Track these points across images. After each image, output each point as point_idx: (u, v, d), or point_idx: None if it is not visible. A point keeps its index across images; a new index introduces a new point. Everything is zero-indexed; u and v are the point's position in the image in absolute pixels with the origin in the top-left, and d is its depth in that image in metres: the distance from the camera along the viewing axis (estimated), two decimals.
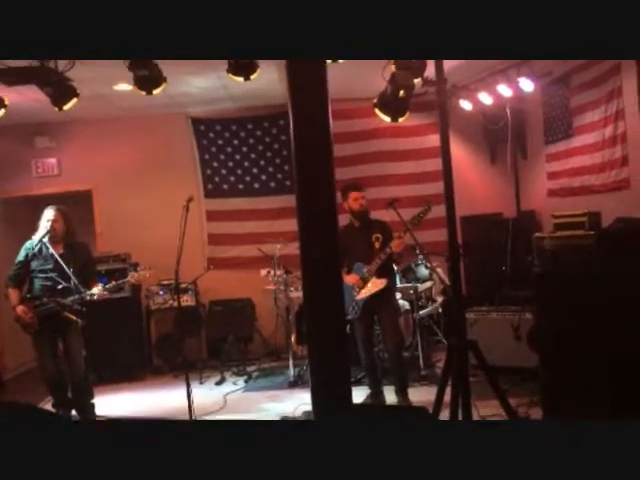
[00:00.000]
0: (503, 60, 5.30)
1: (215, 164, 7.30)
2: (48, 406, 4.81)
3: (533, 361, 4.13)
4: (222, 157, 7.30)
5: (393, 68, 3.71)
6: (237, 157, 7.30)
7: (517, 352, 4.93)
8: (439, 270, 5.68)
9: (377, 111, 3.92)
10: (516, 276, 5.96)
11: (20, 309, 4.62)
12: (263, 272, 6.06)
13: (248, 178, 7.31)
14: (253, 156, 7.29)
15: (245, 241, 7.16)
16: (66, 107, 4.22)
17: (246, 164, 7.30)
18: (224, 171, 7.30)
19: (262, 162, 7.29)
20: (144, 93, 4.19)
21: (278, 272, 5.93)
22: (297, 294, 6.12)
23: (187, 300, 6.55)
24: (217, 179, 7.31)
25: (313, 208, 1.97)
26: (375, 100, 3.91)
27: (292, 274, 5.99)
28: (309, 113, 1.78)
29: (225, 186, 7.31)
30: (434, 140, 6.45)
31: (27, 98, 5.21)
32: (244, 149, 7.29)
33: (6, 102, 4.34)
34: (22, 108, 5.51)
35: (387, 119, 3.96)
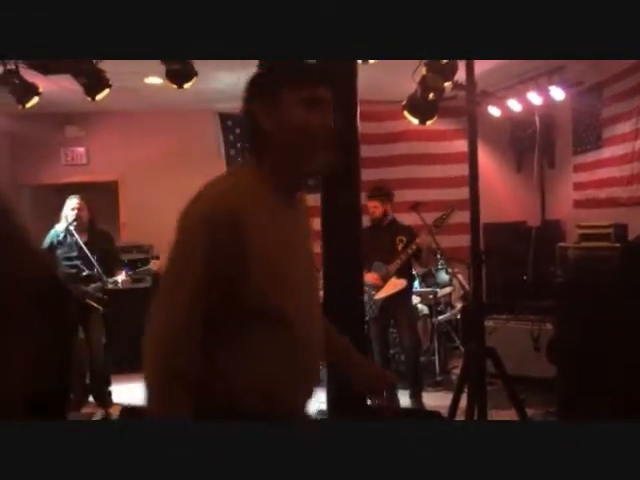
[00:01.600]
0: (534, 67, 5.26)
1: (241, 160, 7.34)
2: None
3: (551, 372, 4.09)
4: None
5: (424, 71, 3.70)
6: None
7: (535, 362, 4.88)
8: (460, 276, 5.66)
9: (406, 113, 3.91)
10: (538, 286, 5.90)
11: None
12: None
13: None
14: None
15: None
16: (98, 97, 4.29)
17: None
18: None
19: None
20: (175, 86, 4.23)
21: None
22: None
23: None
24: None
25: (338, 207, 1.99)
26: (404, 102, 3.90)
27: None
28: (338, 112, 1.79)
29: None
30: (461, 145, 6.43)
31: (60, 87, 5.29)
32: None
33: (40, 90, 4.42)
34: (54, 97, 5.59)
35: (415, 122, 3.95)
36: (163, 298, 1.31)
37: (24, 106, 4.45)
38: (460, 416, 2.92)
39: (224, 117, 7.25)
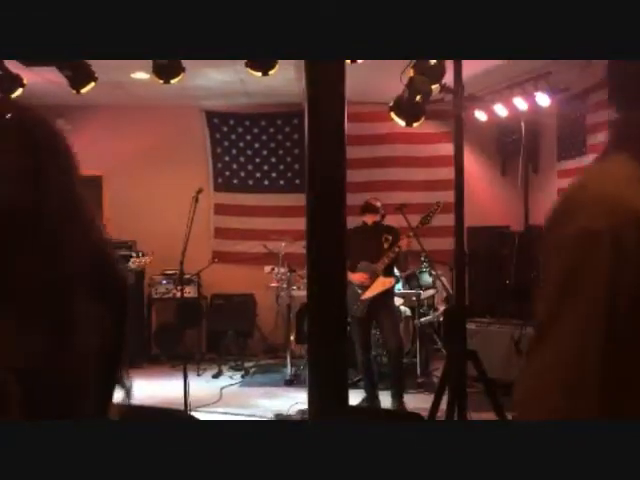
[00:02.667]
0: (521, 73, 5.29)
1: (226, 158, 7.32)
2: None
3: None
4: (234, 151, 7.32)
5: (411, 73, 3.71)
6: (248, 152, 7.32)
7: (517, 366, 4.92)
8: (443, 279, 5.68)
9: (392, 115, 3.92)
10: (519, 290, 5.95)
11: None
12: (267, 269, 6.07)
13: (258, 174, 7.33)
14: (264, 153, 7.31)
15: (251, 237, 7.17)
16: (83, 90, 4.24)
17: (257, 160, 7.32)
18: (235, 166, 7.32)
19: (273, 159, 7.31)
20: (162, 82, 4.20)
21: (282, 270, 5.95)
22: (299, 293, 6.13)
23: (189, 292, 6.56)
24: (227, 173, 7.33)
25: (323, 207, 1.98)
26: (391, 104, 3.91)
27: (296, 272, 6.00)
28: (325, 112, 1.78)
29: (235, 180, 7.33)
30: (446, 148, 6.45)
31: (44, 80, 5.24)
32: (256, 145, 7.30)
33: (25, 82, 4.37)
34: (39, 90, 5.53)
35: (402, 123, 3.96)
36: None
37: (8, 97, 4.38)
38: (440, 418, 2.93)
39: (210, 114, 7.22)
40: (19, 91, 4.37)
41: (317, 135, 1.97)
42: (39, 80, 5.00)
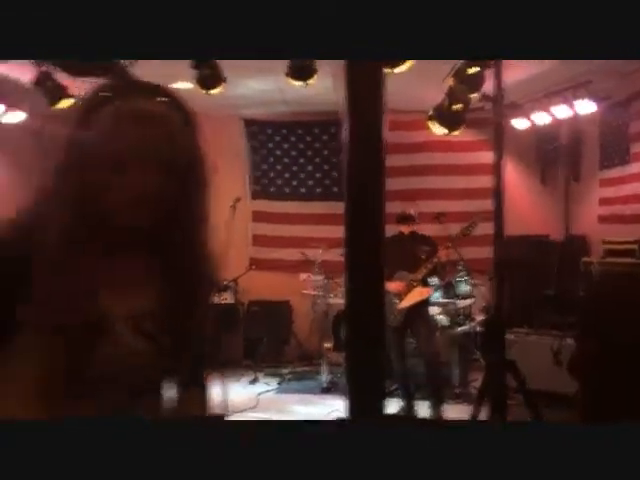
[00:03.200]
0: (561, 81, 5.22)
1: (264, 166, 7.39)
2: None
3: (572, 387, 4.04)
4: (271, 160, 7.39)
5: (451, 81, 3.70)
6: (286, 160, 7.38)
7: (556, 377, 4.83)
8: (482, 288, 5.63)
9: (432, 123, 3.91)
10: (559, 300, 5.84)
11: None
12: (303, 276, 6.10)
13: (295, 182, 7.38)
14: (302, 161, 7.36)
15: (288, 244, 7.21)
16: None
17: (294, 168, 7.37)
18: (272, 174, 7.39)
19: (310, 167, 7.35)
20: (204, 92, 4.28)
21: (318, 277, 5.96)
22: (336, 301, 6.14)
23: (226, 298, 6.63)
24: (265, 181, 7.40)
25: (361, 215, 2.00)
26: (430, 112, 3.90)
27: (332, 280, 6.02)
28: (365, 121, 1.80)
29: (272, 188, 7.39)
30: (485, 156, 6.39)
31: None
32: (293, 153, 7.36)
33: (70, 92, 4.51)
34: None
35: (442, 132, 3.94)
36: None
37: (54, 107, 4.54)
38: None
39: (249, 123, 7.31)
40: (64, 101, 4.52)
41: (356, 143, 1.99)
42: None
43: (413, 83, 5.32)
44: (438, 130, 3.89)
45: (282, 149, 7.36)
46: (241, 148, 7.37)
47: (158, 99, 1.13)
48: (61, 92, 4.53)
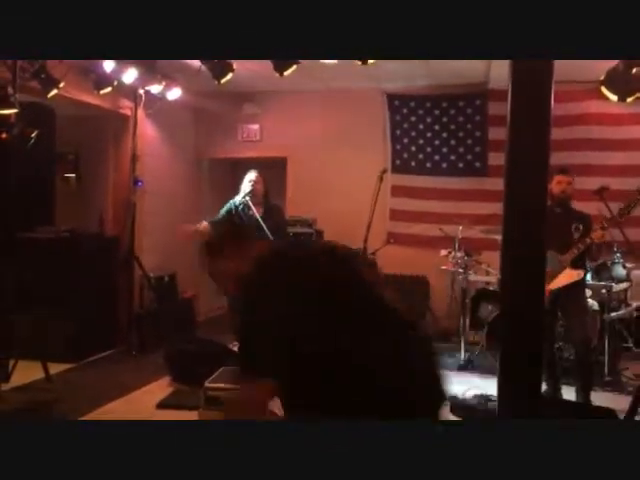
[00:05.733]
0: None
1: (405, 140, 7.32)
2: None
3: None
4: (413, 134, 7.29)
5: None
6: (428, 135, 7.24)
7: None
8: (638, 272, 5.22)
9: (603, 89, 3.56)
10: None
11: None
12: (443, 252, 6.01)
13: (437, 157, 7.23)
14: (444, 135, 7.19)
15: (426, 219, 7.12)
16: (286, 73, 4.54)
17: (436, 142, 7.22)
18: (413, 148, 7.30)
19: (453, 142, 7.16)
20: (359, 63, 4.27)
21: (458, 254, 5.85)
22: (476, 278, 6.00)
23: None
24: (406, 155, 7.33)
25: (522, 190, 1.92)
26: (602, 77, 3.57)
27: (472, 257, 5.88)
28: (530, 94, 1.73)
29: (413, 163, 7.31)
30: None
31: (243, 67, 5.62)
32: (436, 127, 7.20)
33: (234, 67, 4.77)
34: (235, 76, 5.95)
35: (614, 98, 3.58)
36: None
37: (219, 82, 4.80)
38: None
39: (392, 97, 7.26)
40: (229, 76, 4.76)
41: (520, 116, 1.91)
42: (238, 67, 5.37)
43: None
44: (611, 97, 3.53)
45: (424, 123, 7.23)
46: (383, 122, 7.35)
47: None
48: (226, 68, 4.78)
